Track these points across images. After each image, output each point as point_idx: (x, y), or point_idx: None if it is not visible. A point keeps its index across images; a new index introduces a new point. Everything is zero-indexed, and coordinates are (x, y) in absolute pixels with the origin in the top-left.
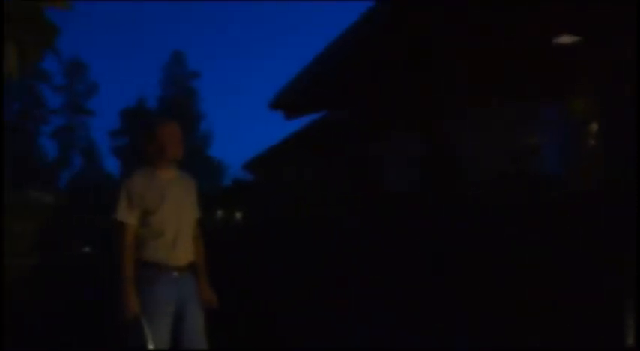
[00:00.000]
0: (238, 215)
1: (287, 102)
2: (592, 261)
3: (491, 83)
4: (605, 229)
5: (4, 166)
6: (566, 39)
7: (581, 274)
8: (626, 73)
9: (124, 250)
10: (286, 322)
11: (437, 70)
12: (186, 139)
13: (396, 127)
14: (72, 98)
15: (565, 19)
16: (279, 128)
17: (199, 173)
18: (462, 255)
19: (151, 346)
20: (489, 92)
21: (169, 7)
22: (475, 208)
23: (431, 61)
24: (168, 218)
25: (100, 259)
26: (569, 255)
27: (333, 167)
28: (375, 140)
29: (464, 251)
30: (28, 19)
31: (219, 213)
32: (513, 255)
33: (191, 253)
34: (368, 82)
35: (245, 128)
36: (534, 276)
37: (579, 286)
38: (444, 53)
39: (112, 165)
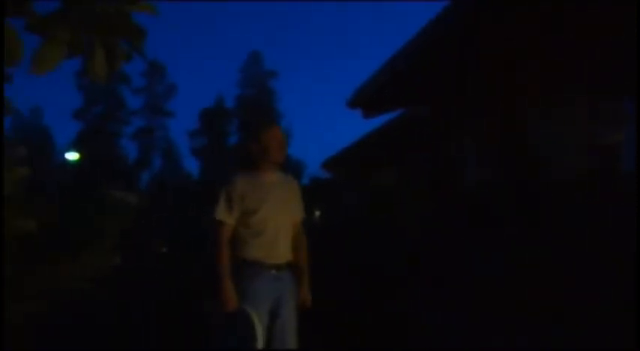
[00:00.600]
0: (317, 214)
1: (365, 100)
2: None
3: (572, 78)
4: None
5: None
6: None
7: None
8: None
9: (220, 248)
10: (372, 323)
11: (518, 65)
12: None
13: (476, 125)
14: (151, 100)
15: None
16: (358, 127)
17: None
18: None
19: (258, 337)
20: (571, 87)
21: (247, 7)
22: (561, 208)
23: (510, 57)
24: (268, 219)
25: (178, 259)
26: None
27: (413, 166)
28: (455, 138)
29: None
30: (116, 23)
31: None
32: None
33: (290, 252)
34: (446, 80)
35: (324, 127)
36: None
37: None
38: (525, 49)
39: (191, 165)
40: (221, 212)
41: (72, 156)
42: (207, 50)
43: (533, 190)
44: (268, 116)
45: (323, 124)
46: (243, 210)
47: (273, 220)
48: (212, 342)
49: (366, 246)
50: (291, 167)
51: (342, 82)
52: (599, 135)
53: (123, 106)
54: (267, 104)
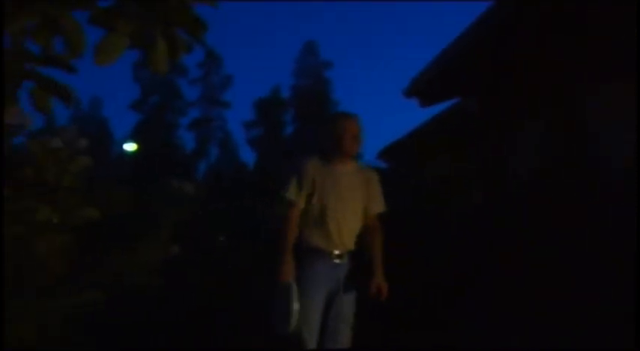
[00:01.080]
0: None
1: (422, 89)
2: None
3: (625, 64)
4: None
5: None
6: None
7: None
8: None
9: (287, 225)
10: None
11: (577, 51)
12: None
13: (533, 114)
14: (207, 90)
15: None
16: (415, 116)
17: None
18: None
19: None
20: (629, 73)
21: None
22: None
23: (569, 42)
24: (334, 208)
25: (237, 250)
26: None
27: (469, 156)
28: (511, 128)
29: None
30: (177, 15)
31: None
32: None
33: (353, 242)
34: (505, 68)
35: (379, 116)
36: None
37: None
38: (585, 33)
39: (246, 155)
40: (292, 192)
41: (130, 147)
42: (263, 40)
43: (594, 180)
44: (324, 106)
45: (379, 113)
46: (310, 194)
47: (338, 210)
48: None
49: (421, 237)
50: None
51: (398, 70)
52: None
53: (179, 97)
54: (323, 94)
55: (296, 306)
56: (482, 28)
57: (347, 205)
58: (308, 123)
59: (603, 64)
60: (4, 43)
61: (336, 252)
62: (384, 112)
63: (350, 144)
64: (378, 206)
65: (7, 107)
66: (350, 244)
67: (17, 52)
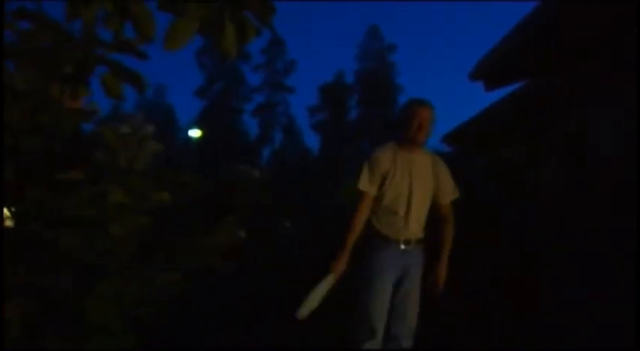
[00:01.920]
0: None
1: (488, 72)
2: None
3: None
4: None
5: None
6: None
7: None
8: None
9: (357, 216)
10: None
11: None
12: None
13: (614, 90)
14: (271, 76)
15: None
16: (478, 100)
17: None
18: None
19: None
20: None
21: None
22: None
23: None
24: (404, 195)
25: (302, 234)
26: None
27: (543, 139)
28: (587, 106)
29: None
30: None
31: None
32: None
33: (422, 230)
34: (574, 45)
35: (444, 100)
36: None
37: None
38: None
39: (311, 140)
40: (364, 183)
41: (195, 133)
42: (326, 25)
43: None
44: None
45: (444, 97)
46: (382, 183)
47: (409, 197)
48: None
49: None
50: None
51: (463, 53)
52: None
53: (243, 83)
54: (387, 78)
55: (313, 298)
56: (548, 8)
57: (417, 193)
58: (372, 107)
59: None
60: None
61: (403, 240)
62: (448, 95)
63: (417, 132)
64: (450, 194)
65: (79, 93)
66: (418, 231)
67: (89, 38)
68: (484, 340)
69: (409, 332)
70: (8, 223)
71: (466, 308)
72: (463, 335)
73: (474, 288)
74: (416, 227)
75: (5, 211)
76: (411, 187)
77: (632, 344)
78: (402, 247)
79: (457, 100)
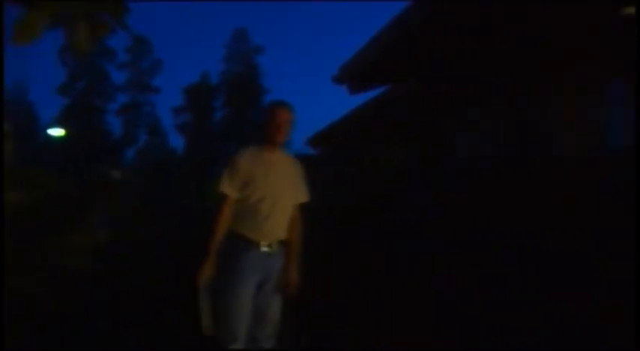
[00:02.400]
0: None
1: (351, 76)
2: None
3: (558, 58)
4: None
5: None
6: (632, 9)
7: None
8: None
9: (220, 219)
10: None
11: (504, 41)
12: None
13: (471, 101)
14: (136, 75)
15: None
16: (344, 103)
17: None
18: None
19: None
20: (559, 67)
21: None
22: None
23: (498, 33)
24: (266, 196)
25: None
26: None
27: (401, 143)
28: (446, 115)
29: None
30: None
31: None
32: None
33: (284, 232)
34: (439, 54)
35: (309, 103)
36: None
37: None
38: (512, 27)
39: (175, 141)
40: (225, 185)
41: (56, 132)
42: (194, 26)
43: (534, 167)
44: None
45: (309, 99)
46: (244, 185)
47: (270, 199)
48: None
49: (353, 225)
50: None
51: (328, 57)
52: (590, 113)
53: (107, 81)
54: (253, 80)
55: (205, 309)
56: (413, 15)
57: (278, 194)
58: (237, 109)
59: (548, 54)
60: None
61: (265, 242)
62: (314, 98)
63: (276, 133)
64: (301, 196)
65: None
66: (281, 233)
67: None
68: (350, 341)
69: (271, 334)
70: None
71: (333, 308)
72: (327, 336)
73: (337, 289)
74: (278, 229)
75: None
76: (272, 188)
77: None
78: (265, 249)
79: (325, 102)
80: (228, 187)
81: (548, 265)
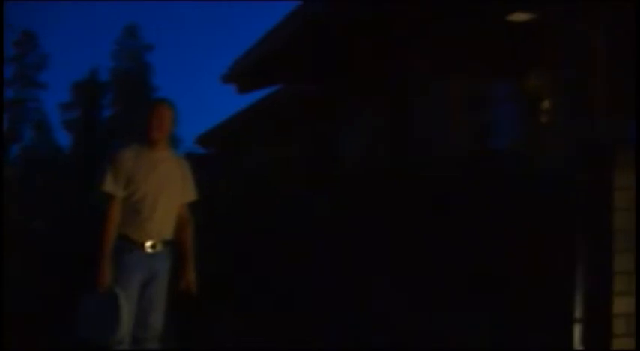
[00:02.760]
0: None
1: (240, 76)
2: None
3: (444, 60)
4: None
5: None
6: (519, 16)
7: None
8: (579, 51)
9: (109, 219)
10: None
11: (393, 44)
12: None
13: (356, 102)
14: (22, 70)
15: None
16: (235, 102)
17: None
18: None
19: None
20: (444, 69)
21: None
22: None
23: (384, 34)
24: (149, 195)
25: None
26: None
27: (291, 142)
28: (334, 115)
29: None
30: None
31: None
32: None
33: (170, 231)
34: (325, 55)
35: (199, 101)
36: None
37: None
38: (398, 28)
39: (62, 138)
40: (108, 184)
41: None
42: (83, 21)
43: (415, 168)
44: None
45: (199, 98)
46: (126, 183)
47: (153, 198)
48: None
49: (242, 224)
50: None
51: (219, 56)
52: (473, 115)
53: None
54: (143, 77)
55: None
56: (301, 16)
57: (162, 193)
58: (127, 106)
59: (428, 58)
60: None
61: (149, 242)
62: (206, 97)
63: (156, 130)
64: (191, 195)
65: None
66: (165, 233)
67: None
68: (241, 341)
69: (155, 336)
70: None
71: (216, 308)
72: (210, 335)
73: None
74: (163, 229)
75: None
76: (155, 187)
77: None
78: (148, 250)
79: (218, 101)
80: (112, 186)
81: (429, 265)
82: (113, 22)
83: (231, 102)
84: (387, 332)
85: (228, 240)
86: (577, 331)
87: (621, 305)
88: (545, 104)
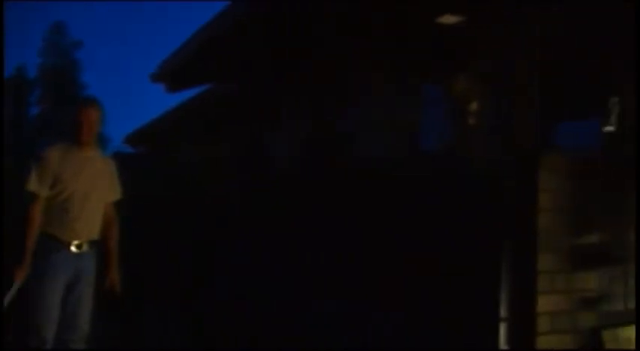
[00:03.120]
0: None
1: (168, 75)
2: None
3: (373, 61)
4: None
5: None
6: (449, 18)
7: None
8: (506, 53)
9: (31, 218)
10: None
11: (317, 44)
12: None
13: (283, 102)
14: None
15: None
16: (165, 101)
17: None
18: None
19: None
20: (373, 70)
21: None
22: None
23: (312, 36)
24: (75, 195)
25: None
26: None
27: (220, 142)
28: (263, 115)
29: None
30: None
31: None
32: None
33: (96, 231)
34: (253, 56)
35: (129, 100)
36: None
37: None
38: (326, 30)
39: None
40: (33, 183)
41: None
42: (9, 17)
43: (339, 169)
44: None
45: (128, 97)
46: (53, 182)
47: (80, 198)
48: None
49: (170, 224)
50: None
51: (151, 54)
52: (401, 116)
53: None
54: (71, 75)
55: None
56: (229, 17)
57: (90, 192)
58: (55, 104)
59: (358, 60)
60: None
61: (75, 242)
62: (136, 95)
63: (86, 131)
64: (116, 195)
65: None
66: (92, 233)
67: None
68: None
69: (81, 337)
70: None
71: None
72: (136, 336)
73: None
74: (90, 228)
75: None
76: (83, 186)
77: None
78: (74, 249)
79: (146, 100)
80: (36, 185)
81: (353, 265)
82: (40, 18)
83: (163, 101)
84: (302, 330)
85: (154, 239)
86: (502, 330)
87: (545, 304)
88: (474, 106)
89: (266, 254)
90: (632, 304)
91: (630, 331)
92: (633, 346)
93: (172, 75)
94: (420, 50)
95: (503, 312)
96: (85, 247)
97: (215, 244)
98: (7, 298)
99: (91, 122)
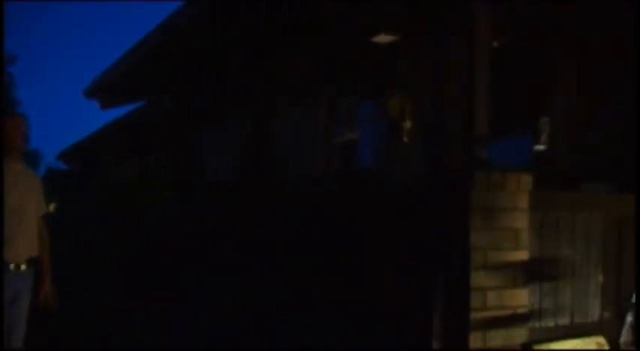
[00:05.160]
0: (52, 207)
1: (101, 91)
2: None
3: (310, 78)
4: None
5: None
6: (383, 38)
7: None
8: (440, 73)
9: None
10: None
11: (259, 61)
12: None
13: (220, 116)
14: None
15: (383, 19)
16: (101, 117)
17: None
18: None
19: None
20: (310, 87)
21: None
22: (297, 198)
23: (251, 53)
24: (11, 210)
25: None
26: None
27: (156, 156)
28: (198, 129)
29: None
30: None
31: None
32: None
33: (33, 249)
34: (190, 72)
35: (62, 117)
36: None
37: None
38: (268, 48)
39: None
40: None
41: None
42: None
43: (272, 185)
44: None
45: (62, 113)
46: None
47: (16, 214)
48: None
49: (105, 238)
50: (27, 157)
51: (83, 71)
52: (336, 133)
53: None
54: (3, 90)
55: None
56: (166, 31)
57: (23, 208)
58: None
59: (294, 76)
60: None
61: (14, 260)
62: (70, 111)
63: (17, 142)
64: (44, 208)
65: None
66: (29, 250)
67: None
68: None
69: (18, 348)
70: None
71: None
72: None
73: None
74: (26, 246)
75: None
76: (17, 201)
77: None
78: (11, 268)
79: (82, 117)
80: None
81: (287, 276)
82: None
83: (99, 117)
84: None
85: (86, 252)
86: (435, 345)
87: (478, 320)
88: (407, 124)
89: (195, 273)
90: (562, 320)
91: (560, 345)
92: None
93: (104, 91)
94: (357, 68)
95: (436, 327)
96: (23, 267)
97: (143, 253)
98: None
99: (23, 133)
